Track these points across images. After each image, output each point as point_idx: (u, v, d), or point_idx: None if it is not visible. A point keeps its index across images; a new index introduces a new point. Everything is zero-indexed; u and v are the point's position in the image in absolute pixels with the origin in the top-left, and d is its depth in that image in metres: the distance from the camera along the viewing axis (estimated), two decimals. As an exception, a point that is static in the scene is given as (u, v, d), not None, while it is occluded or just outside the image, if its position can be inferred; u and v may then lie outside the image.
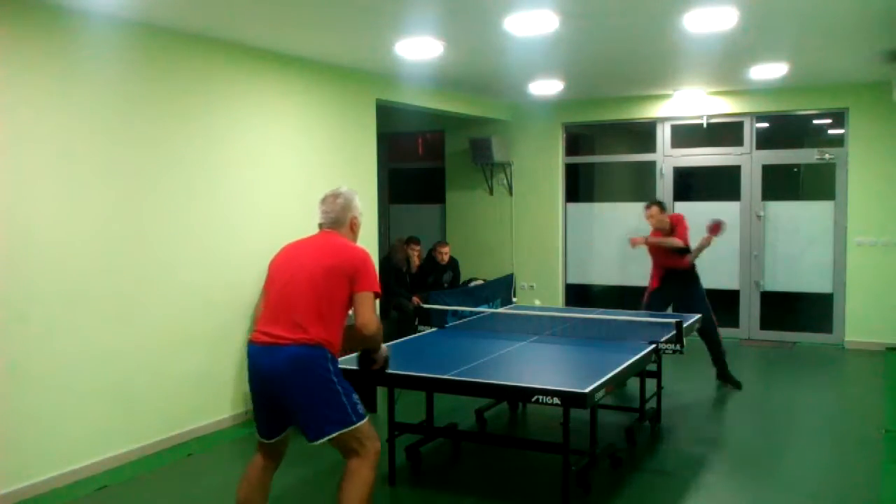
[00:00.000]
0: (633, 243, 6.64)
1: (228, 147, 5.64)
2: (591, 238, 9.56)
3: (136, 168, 4.96)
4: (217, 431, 5.53)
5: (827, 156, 8.39)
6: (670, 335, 4.89)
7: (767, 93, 8.33)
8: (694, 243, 6.60)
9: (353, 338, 3.31)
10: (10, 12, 4.20)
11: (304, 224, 6.30)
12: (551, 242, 9.59)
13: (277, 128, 6.12)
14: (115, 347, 4.82)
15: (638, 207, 9.26)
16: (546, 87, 8.02)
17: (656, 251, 6.62)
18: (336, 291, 3.21)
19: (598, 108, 9.19)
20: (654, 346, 4.73)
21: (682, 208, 9.02)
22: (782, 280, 8.69)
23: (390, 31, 5.38)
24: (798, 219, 8.66)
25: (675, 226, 6.58)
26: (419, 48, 5.77)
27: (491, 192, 9.82)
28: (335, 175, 6.75)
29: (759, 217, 8.69)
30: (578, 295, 9.69)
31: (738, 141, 8.76)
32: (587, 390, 3.62)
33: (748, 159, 8.72)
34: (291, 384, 3.14)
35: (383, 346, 3.48)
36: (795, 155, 9.10)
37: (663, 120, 9.02)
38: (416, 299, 7.37)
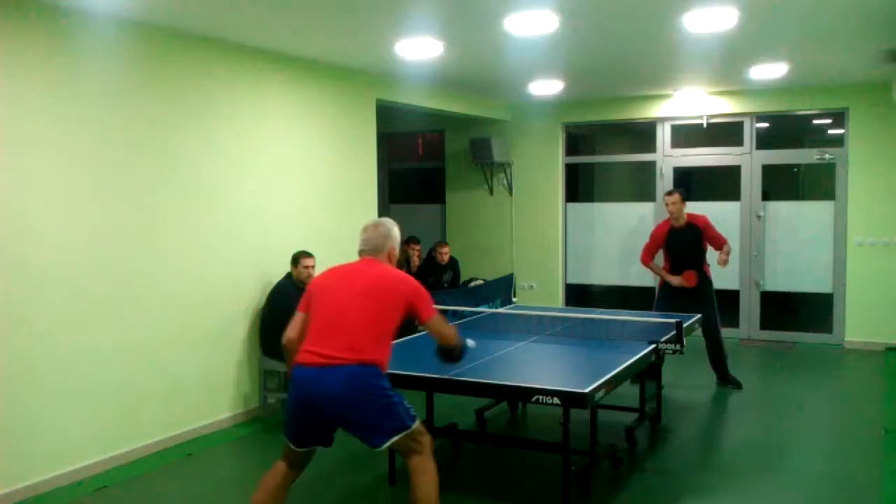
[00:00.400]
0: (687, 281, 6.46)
1: (229, 147, 5.64)
2: (591, 238, 9.56)
3: (137, 167, 4.96)
4: (217, 431, 5.53)
5: (827, 156, 8.39)
6: (670, 335, 4.89)
7: (767, 93, 8.33)
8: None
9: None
10: (9, 12, 4.20)
11: (305, 223, 6.34)
12: (551, 242, 9.59)
13: (277, 127, 6.12)
14: (116, 347, 4.82)
15: (638, 207, 9.33)
16: (546, 87, 8.02)
17: (682, 257, 6.53)
18: (390, 316, 3.38)
19: (598, 108, 9.19)
20: (653, 346, 4.73)
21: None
22: (782, 280, 8.69)
23: (390, 31, 5.38)
24: (798, 219, 8.66)
25: (707, 229, 6.47)
26: (419, 48, 5.77)
27: (491, 192, 9.82)
28: (335, 175, 6.76)
29: (759, 217, 8.69)
30: (578, 295, 9.69)
31: (738, 141, 8.76)
32: (587, 390, 3.62)
33: (748, 159, 8.72)
34: (349, 403, 3.25)
35: (460, 340, 3.66)
36: (795, 155, 9.10)
37: (663, 120, 9.02)
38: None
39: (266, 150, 5.99)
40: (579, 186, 10.04)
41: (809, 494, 4.36)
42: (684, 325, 4.97)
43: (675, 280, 6.46)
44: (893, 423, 5.56)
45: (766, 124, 8.88)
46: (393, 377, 4.10)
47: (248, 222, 5.81)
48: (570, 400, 3.65)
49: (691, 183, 9.59)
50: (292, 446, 3.38)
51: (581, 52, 6.25)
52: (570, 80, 7.74)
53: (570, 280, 9.67)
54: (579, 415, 4.00)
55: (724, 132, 8.90)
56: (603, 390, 3.82)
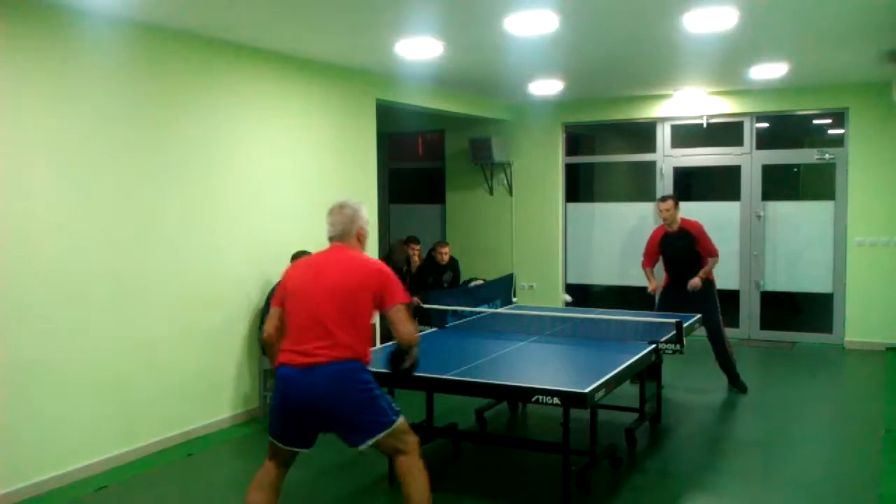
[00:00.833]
0: (693, 286, 6.44)
1: (229, 146, 5.64)
2: (591, 238, 9.56)
3: (136, 167, 4.96)
4: (217, 431, 5.53)
5: (827, 156, 8.39)
6: (670, 335, 4.89)
7: (767, 93, 8.33)
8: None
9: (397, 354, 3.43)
10: (9, 12, 4.21)
11: (305, 223, 6.33)
12: (551, 242, 9.59)
13: (277, 127, 6.12)
14: (116, 347, 4.83)
15: (638, 207, 9.33)
16: (546, 87, 8.02)
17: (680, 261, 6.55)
18: (362, 306, 3.29)
19: (598, 108, 9.19)
20: (654, 346, 4.73)
21: (683, 208, 9.02)
22: (782, 280, 8.69)
23: (390, 31, 5.38)
24: (798, 219, 8.66)
25: (700, 237, 6.46)
26: (419, 48, 5.77)
27: (491, 192, 9.82)
28: (335, 174, 6.76)
29: (759, 217, 8.69)
30: (578, 295, 9.69)
31: (738, 141, 8.76)
32: (587, 390, 3.62)
33: (748, 159, 8.72)
34: (334, 400, 3.22)
35: (415, 350, 3.51)
36: (795, 155, 9.10)
37: (663, 120, 9.02)
38: (416, 299, 7.37)
39: (266, 149, 5.99)
40: (579, 186, 10.04)
41: (809, 494, 4.36)
42: (684, 325, 4.97)
43: (650, 287, 6.60)
44: (893, 423, 5.56)
45: (766, 124, 8.88)
46: (393, 377, 4.13)
47: (248, 222, 5.81)
48: (570, 400, 3.64)
49: (691, 183, 9.60)
50: (279, 444, 3.35)
51: (581, 52, 6.25)
52: (570, 80, 7.74)
53: (570, 280, 9.67)
54: (579, 415, 4.00)
55: (724, 132, 8.90)
56: (603, 390, 3.82)
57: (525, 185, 9.64)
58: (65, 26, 4.50)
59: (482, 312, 6.04)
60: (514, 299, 7.37)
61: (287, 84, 6.20)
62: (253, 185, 5.86)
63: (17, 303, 4.28)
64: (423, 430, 4.77)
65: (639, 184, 9.75)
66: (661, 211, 6.48)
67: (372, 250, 7.06)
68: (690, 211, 9.01)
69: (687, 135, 9.09)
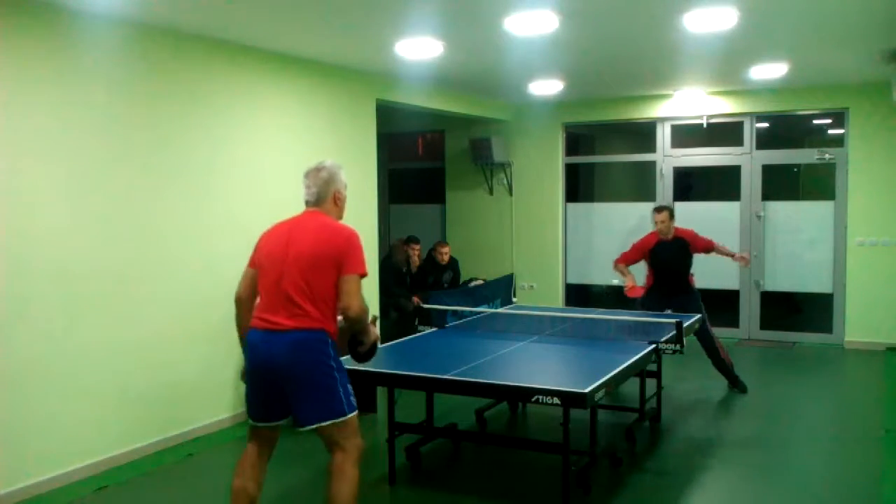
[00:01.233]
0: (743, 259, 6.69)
1: (228, 146, 5.64)
2: (591, 238, 9.56)
3: (136, 168, 4.96)
4: (217, 431, 5.54)
5: (827, 156, 8.39)
6: (670, 335, 4.89)
7: (767, 93, 8.33)
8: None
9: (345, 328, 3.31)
10: (9, 12, 4.21)
11: (304, 224, 6.32)
12: (551, 242, 9.59)
13: (277, 128, 6.12)
14: (116, 347, 4.83)
15: (638, 207, 9.32)
16: (546, 87, 8.02)
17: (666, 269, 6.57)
18: (327, 275, 3.20)
19: (598, 108, 9.19)
20: (654, 346, 4.73)
21: (682, 208, 9.02)
22: (782, 280, 8.69)
23: (390, 31, 5.38)
24: (798, 219, 8.66)
25: (694, 240, 6.55)
26: (419, 48, 5.77)
27: (491, 192, 9.82)
28: (335, 175, 6.75)
29: (759, 217, 8.69)
30: (578, 295, 9.69)
31: (738, 141, 8.76)
32: (587, 390, 3.62)
33: (748, 159, 8.72)
34: (292, 368, 3.16)
35: (373, 328, 3.42)
36: (795, 155, 9.10)
37: (663, 120, 9.03)
38: (416, 299, 7.37)
39: (266, 150, 5.99)
40: (579, 186, 10.04)
41: (809, 494, 4.36)
42: (684, 325, 4.97)
43: (628, 283, 6.55)
44: (893, 423, 5.56)
45: (766, 124, 8.88)
46: (393, 377, 4.13)
47: (247, 222, 5.79)
48: (570, 400, 3.64)
49: (691, 183, 9.60)
50: (251, 421, 3.34)
51: (581, 52, 6.25)
52: (570, 80, 7.74)
53: (570, 280, 9.67)
54: (579, 415, 4.00)
55: (724, 132, 8.90)
56: (603, 390, 3.81)
57: (525, 185, 9.64)
58: (65, 26, 4.50)
59: (482, 312, 6.04)
60: (514, 299, 7.37)
61: (287, 84, 6.20)
62: (253, 185, 5.86)
63: (17, 303, 4.28)
64: (423, 430, 4.78)
65: (639, 184, 9.75)
66: (657, 222, 6.48)
67: (372, 250, 7.06)
68: (690, 211, 9.07)
69: (687, 135, 9.09)
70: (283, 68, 6.12)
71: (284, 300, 3.20)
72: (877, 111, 7.93)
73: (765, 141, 8.75)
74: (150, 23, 4.96)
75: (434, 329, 5.48)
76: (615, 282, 7.65)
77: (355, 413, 3.27)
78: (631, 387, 5.78)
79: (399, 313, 7.57)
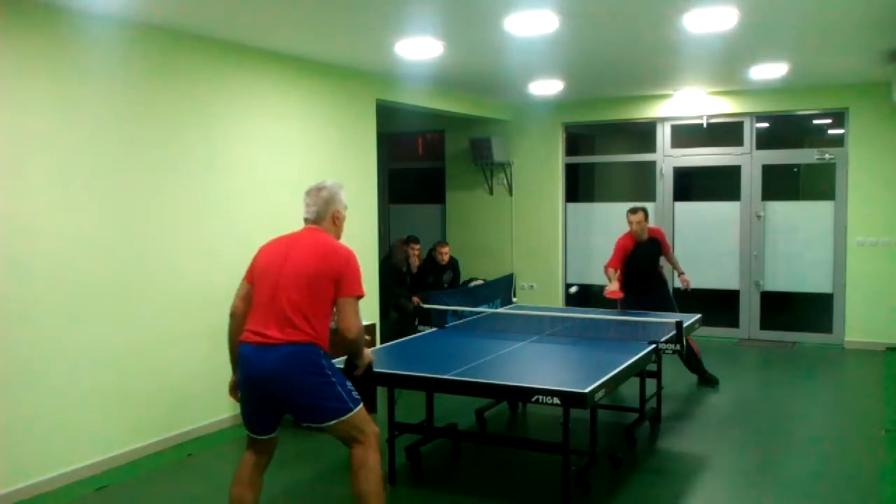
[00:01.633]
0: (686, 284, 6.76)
1: (228, 147, 5.64)
2: (591, 238, 9.55)
3: (136, 168, 4.96)
4: (217, 431, 5.53)
5: (827, 156, 8.39)
6: (670, 335, 4.89)
7: (767, 93, 8.33)
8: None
9: (338, 342, 3.34)
10: (9, 12, 4.21)
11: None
12: (551, 242, 9.59)
13: (277, 128, 6.12)
14: (116, 347, 4.82)
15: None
16: (546, 87, 8.02)
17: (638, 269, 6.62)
18: (323, 293, 3.25)
19: (598, 108, 9.19)
20: (654, 346, 4.73)
21: (682, 208, 9.06)
22: (782, 280, 8.69)
23: (390, 31, 5.38)
24: (798, 219, 8.66)
25: (663, 241, 6.79)
26: (419, 48, 5.77)
27: (491, 192, 9.82)
28: (335, 175, 6.74)
29: (759, 217, 8.69)
30: (578, 295, 9.67)
31: (738, 141, 8.77)
32: (587, 390, 3.62)
33: (748, 159, 8.72)
34: (287, 381, 3.19)
35: (367, 351, 3.48)
36: (795, 155, 9.10)
37: (663, 120, 9.03)
38: (416, 299, 7.37)
39: (266, 150, 5.99)
40: (579, 186, 10.04)
41: (809, 494, 4.36)
42: (684, 325, 4.97)
43: (612, 286, 6.45)
44: (893, 423, 5.56)
45: (766, 124, 8.88)
46: (393, 377, 4.13)
47: (247, 222, 5.81)
48: (570, 400, 3.64)
49: (691, 183, 9.59)
50: (252, 435, 3.36)
51: (581, 52, 6.25)
52: (570, 80, 7.74)
53: (570, 280, 9.67)
54: (579, 415, 4.00)
55: (724, 132, 8.90)
56: (603, 390, 3.82)
57: (525, 185, 9.64)
58: (65, 27, 4.50)
59: (482, 312, 6.04)
60: (514, 299, 7.37)
61: (287, 84, 6.20)
62: (253, 185, 5.86)
63: (17, 303, 4.28)
64: (423, 430, 4.78)
65: (639, 184, 9.75)
66: (632, 223, 6.55)
67: (372, 250, 7.05)
68: (690, 211, 9.08)
69: (687, 135, 9.09)
70: (283, 68, 6.12)
71: (278, 315, 3.22)
72: (877, 111, 7.93)
73: (765, 141, 8.75)
74: (150, 23, 4.96)
75: (434, 329, 5.48)
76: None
77: (361, 406, 3.28)
78: (631, 387, 5.79)
79: (399, 313, 7.57)
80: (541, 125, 9.49)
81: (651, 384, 5.53)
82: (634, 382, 5.25)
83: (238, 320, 3.39)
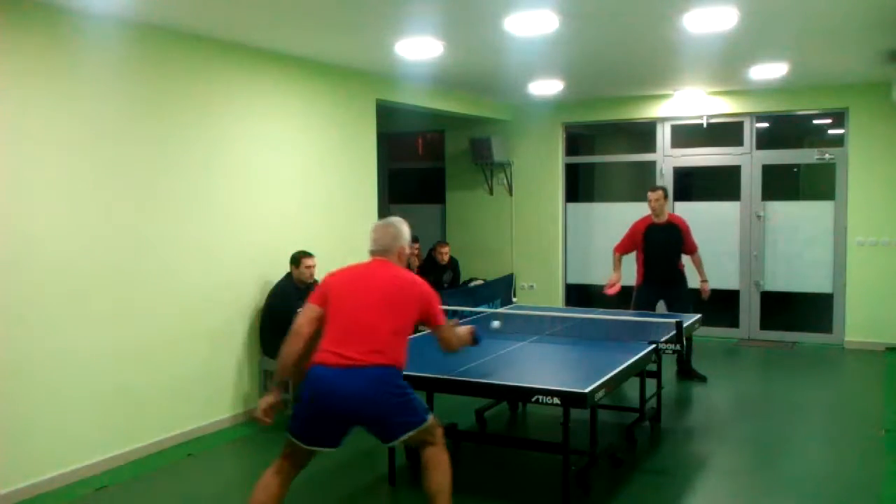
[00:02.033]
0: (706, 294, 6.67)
1: (228, 147, 5.64)
2: (591, 238, 9.55)
3: (136, 168, 4.96)
4: (217, 431, 5.53)
5: (827, 156, 8.39)
6: (670, 335, 4.89)
7: (767, 93, 8.33)
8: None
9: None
10: (9, 12, 4.20)
11: (305, 223, 6.33)
12: (551, 242, 9.59)
13: (277, 128, 6.12)
14: (115, 347, 4.82)
15: (638, 207, 9.28)
16: (546, 87, 8.02)
17: (659, 255, 6.61)
18: (408, 320, 3.48)
19: (598, 108, 9.19)
20: (654, 346, 4.73)
21: (682, 208, 9.04)
22: (782, 280, 8.69)
23: (390, 31, 5.38)
24: (798, 219, 8.65)
25: (686, 233, 6.68)
26: (419, 48, 5.77)
27: (491, 192, 9.82)
28: (335, 174, 6.76)
29: (759, 217, 8.69)
30: (578, 295, 9.69)
31: (738, 141, 8.76)
32: (587, 390, 3.62)
33: (748, 159, 8.72)
34: (370, 403, 3.30)
35: (463, 332, 3.86)
36: (795, 155, 9.10)
37: (663, 120, 9.03)
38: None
39: (266, 150, 5.99)
40: (579, 186, 10.04)
41: (809, 494, 4.36)
42: (684, 324, 4.97)
43: (612, 280, 6.61)
44: (893, 423, 5.56)
45: (766, 124, 8.88)
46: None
47: (247, 222, 5.81)
48: (570, 400, 3.65)
49: (691, 183, 9.59)
50: (300, 444, 3.36)
51: (581, 52, 6.25)
52: (570, 80, 7.74)
53: (570, 280, 9.67)
54: (579, 415, 4.00)
55: (724, 132, 8.89)
56: (603, 390, 3.82)
57: (525, 185, 9.64)
58: (65, 27, 4.50)
59: (482, 312, 6.04)
60: (514, 299, 7.37)
61: (287, 84, 6.20)
62: (253, 185, 5.86)
63: (17, 303, 4.28)
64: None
65: (639, 184, 9.74)
66: (651, 200, 6.63)
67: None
68: (690, 211, 9.06)
69: (687, 135, 9.09)
70: (282, 68, 6.12)
71: (364, 337, 3.35)
72: (877, 111, 7.93)
73: (765, 141, 8.75)
74: (150, 23, 4.95)
75: (434, 329, 5.47)
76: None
77: (432, 416, 3.48)
78: (631, 387, 5.79)
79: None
80: (541, 125, 9.49)
81: (651, 384, 5.53)
82: (634, 382, 5.25)
83: (302, 340, 3.39)
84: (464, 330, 3.87)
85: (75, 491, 4.45)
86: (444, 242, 8.47)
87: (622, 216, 9.33)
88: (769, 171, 8.69)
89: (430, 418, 3.45)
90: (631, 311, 6.44)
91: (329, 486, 4.50)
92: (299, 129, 6.35)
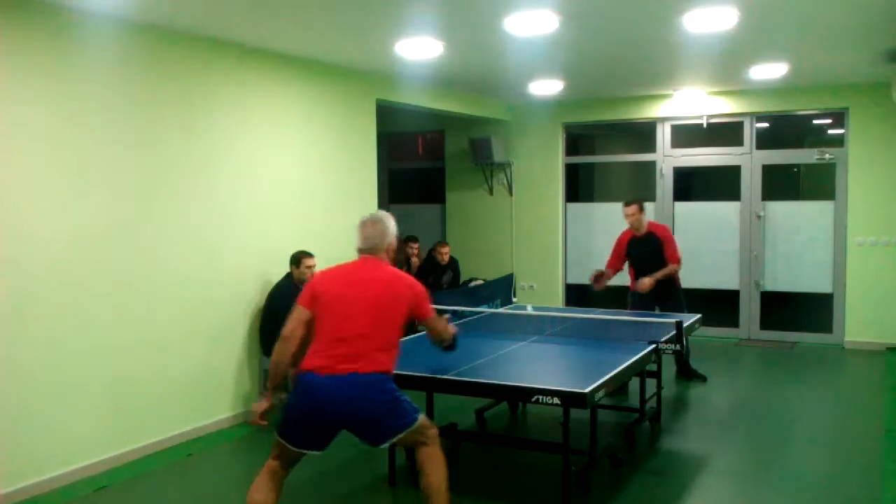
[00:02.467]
0: (643, 287, 6.42)
1: (228, 146, 5.64)
2: (591, 238, 9.55)
3: (136, 167, 4.96)
4: (217, 431, 5.53)
5: (827, 156, 8.39)
6: (670, 335, 4.89)
7: (767, 93, 8.33)
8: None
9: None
10: (9, 11, 4.20)
11: (305, 223, 6.33)
12: (551, 242, 9.59)
13: (277, 127, 6.12)
14: (115, 347, 4.83)
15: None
16: (546, 87, 8.02)
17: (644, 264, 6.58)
18: (397, 320, 3.44)
19: (598, 108, 9.19)
20: (654, 346, 4.73)
21: (682, 208, 9.06)
22: (782, 280, 8.69)
23: (390, 31, 5.38)
24: (798, 219, 8.65)
25: (666, 242, 6.55)
26: (419, 48, 5.77)
27: (491, 192, 9.82)
28: (335, 174, 6.76)
29: (759, 217, 8.69)
30: (578, 295, 9.69)
31: (738, 141, 8.76)
32: (587, 390, 3.62)
33: (748, 159, 8.72)
34: (360, 408, 3.29)
35: (450, 328, 3.86)
36: (795, 155, 9.10)
37: (663, 120, 9.02)
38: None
39: (266, 150, 5.99)
40: (579, 186, 10.04)
41: (809, 494, 4.36)
42: (684, 325, 4.97)
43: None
44: (893, 423, 5.56)
45: (766, 124, 8.88)
46: (393, 377, 4.12)
47: (247, 222, 5.81)
48: (570, 400, 3.65)
49: (691, 183, 9.60)
50: (289, 446, 3.36)
51: (581, 52, 6.25)
52: (570, 80, 7.74)
53: (570, 280, 9.67)
54: (579, 415, 4.00)
55: (724, 132, 8.90)
56: (603, 390, 3.82)
57: (525, 185, 9.64)
58: (65, 26, 4.50)
59: (482, 312, 6.03)
60: (514, 299, 7.37)
61: (287, 84, 6.20)
62: (253, 185, 5.86)
63: (17, 304, 4.28)
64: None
65: (639, 184, 9.75)
66: (626, 216, 6.57)
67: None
68: (690, 211, 9.08)
69: (687, 135, 9.09)
70: (282, 68, 6.12)
71: (354, 342, 3.32)
72: (877, 111, 7.93)
73: (765, 141, 8.75)
74: (150, 22, 4.96)
75: (434, 329, 5.47)
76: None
77: (422, 415, 3.44)
78: (631, 387, 5.79)
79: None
80: (541, 125, 9.48)
81: (651, 384, 5.53)
82: (634, 382, 5.25)
83: (292, 345, 3.38)
84: (451, 325, 3.91)
85: (75, 491, 4.45)
86: (444, 242, 8.47)
87: (622, 216, 9.35)
88: (769, 171, 8.69)
89: (421, 418, 3.42)
90: (630, 311, 6.44)
91: (329, 486, 4.50)
92: (299, 129, 6.35)
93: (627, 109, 9.07)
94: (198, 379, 5.42)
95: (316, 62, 6.41)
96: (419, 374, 4.12)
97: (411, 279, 3.57)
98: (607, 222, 9.46)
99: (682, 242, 8.86)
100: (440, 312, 5.61)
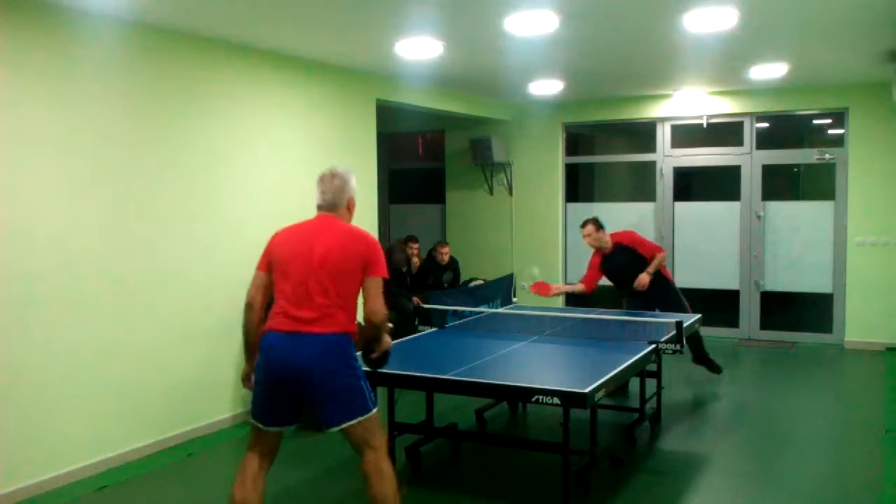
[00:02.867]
0: (642, 285, 6.30)
1: (228, 146, 5.64)
2: (591, 238, 9.53)
3: (136, 167, 4.96)
4: (217, 431, 5.54)
5: (827, 156, 8.39)
6: (670, 335, 4.89)
7: (767, 93, 8.32)
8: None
9: (362, 328, 3.36)
10: (9, 11, 4.20)
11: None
12: (551, 243, 9.59)
13: (277, 127, 6.12)
14: (115, 347, 4.83)
15: (638, 207, 9.33)
16: (546, 87, 8.02)
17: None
18: (354, 278, 3.26)
19: (598, 108, 9.19)
20: (654, 346, 4.73)
21: (682, 208, 9.06)
22: (782, 280, 8.69)
23: (390, 31, 5.38)
24: (798, 219, 8.65)
25: (637, 245, 6.38)
26: (419, 48, 5.77)
27: (491, 192, 9.82)
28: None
29: (759, 217, 8.69)
30: (578, 295, 9.66)
31: (738, 141, 8.76)
32: (587, 390, 3.62)
33: (748, 159, 8.72)
34: (319, 368, 3.17)
35: (386, 338, 3.44)
36: (795, 155, 9.10)
37: (663, 120, 9.02)
38: (416, 299, 7.36)
39: (266, 151, 5.99)
40: (579, 186, 10.04)
41: (809, 494, 4.36)
42: (684, 324, 4.97)
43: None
44: (893, 423, 5.56)
45: (766, 124, 8.88)
46: (393, 377, 4.13)
47: (248, 222, 5.81)
48: (570, 400, 3.64)
49: (691, 183, 9.59)
50: (260, 426, 3.31)
51: (581, 52, 6.25)
52: (570, 80, 7.74)
53: (570, 280, 9.66)
54: (579, 415, 4.00)
55: (724, 132, 8.90)
56: (603, 390, 3.82)
57: (525, 185, 9.64)
58: (65, 26, 4.50)
59: (482, 312, 6.04)
60: (514, 299, 7.37)
61: (287, 84, 6.20)
62: (252, 185, 5.86)
63: (17, 304, 4.28)
64: (423, 430, 4.78)
65: (639, 184, 9.75)
66: (583, 238, 6.36)
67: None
68: (690, 211, 9.08)
69: (687, 135, 9.09)
70: (282, 68, 6.12)
71: (311, 303, 3.21)
72: (877, 111, 7.92)
73: (765, 141, 8.75)
74: (149, 22, 4.95)
75: (434, 329, 5.48)
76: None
77: (377, 409, 3.30)
78: (631, 387, 5.79)
79: (399, 313, 7.56)
80: (541, 125, 9.49)
81: (651, 384, 5.53)
82: (634, 382, 5.25)
83: (256, 311, 3.35)
84: (387, 338, 3.47)
85: (75, 491, 4.45)
86: (444, 242, 8.47)
87: (622, 216, 9.36)
88: (769, 171, 8.69)
89: (376, 412, 3.27)
90: (631, 312, 6.43)
91: (329, 485, 4.50)
92: (299, 129, 6.35)
93: (627, 109, 9.07)
94: (198, 379, 5.42)
95: (316, 62, 6.41)
96: (419, 375, 4.12)
97: (369, 236, 3.38)
98: (607, 223, 9.38)
99: (683, 242, 8.92)
100: (440, 312, 5.65)
